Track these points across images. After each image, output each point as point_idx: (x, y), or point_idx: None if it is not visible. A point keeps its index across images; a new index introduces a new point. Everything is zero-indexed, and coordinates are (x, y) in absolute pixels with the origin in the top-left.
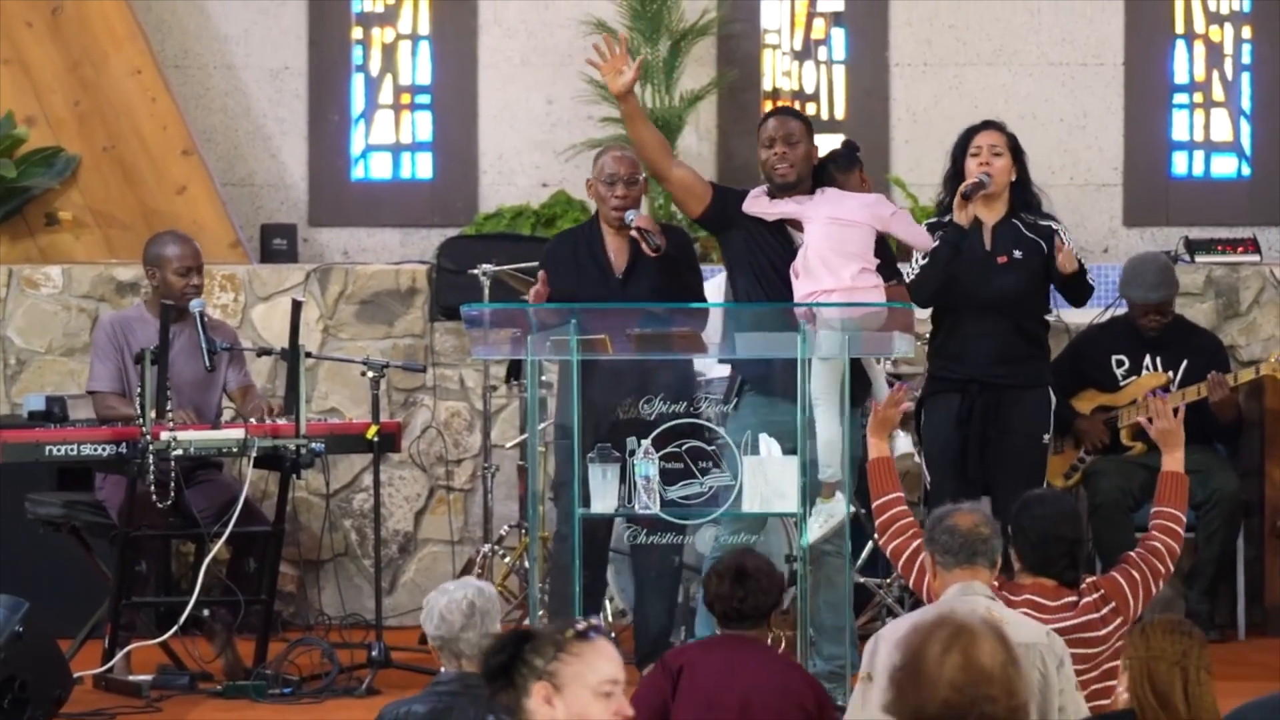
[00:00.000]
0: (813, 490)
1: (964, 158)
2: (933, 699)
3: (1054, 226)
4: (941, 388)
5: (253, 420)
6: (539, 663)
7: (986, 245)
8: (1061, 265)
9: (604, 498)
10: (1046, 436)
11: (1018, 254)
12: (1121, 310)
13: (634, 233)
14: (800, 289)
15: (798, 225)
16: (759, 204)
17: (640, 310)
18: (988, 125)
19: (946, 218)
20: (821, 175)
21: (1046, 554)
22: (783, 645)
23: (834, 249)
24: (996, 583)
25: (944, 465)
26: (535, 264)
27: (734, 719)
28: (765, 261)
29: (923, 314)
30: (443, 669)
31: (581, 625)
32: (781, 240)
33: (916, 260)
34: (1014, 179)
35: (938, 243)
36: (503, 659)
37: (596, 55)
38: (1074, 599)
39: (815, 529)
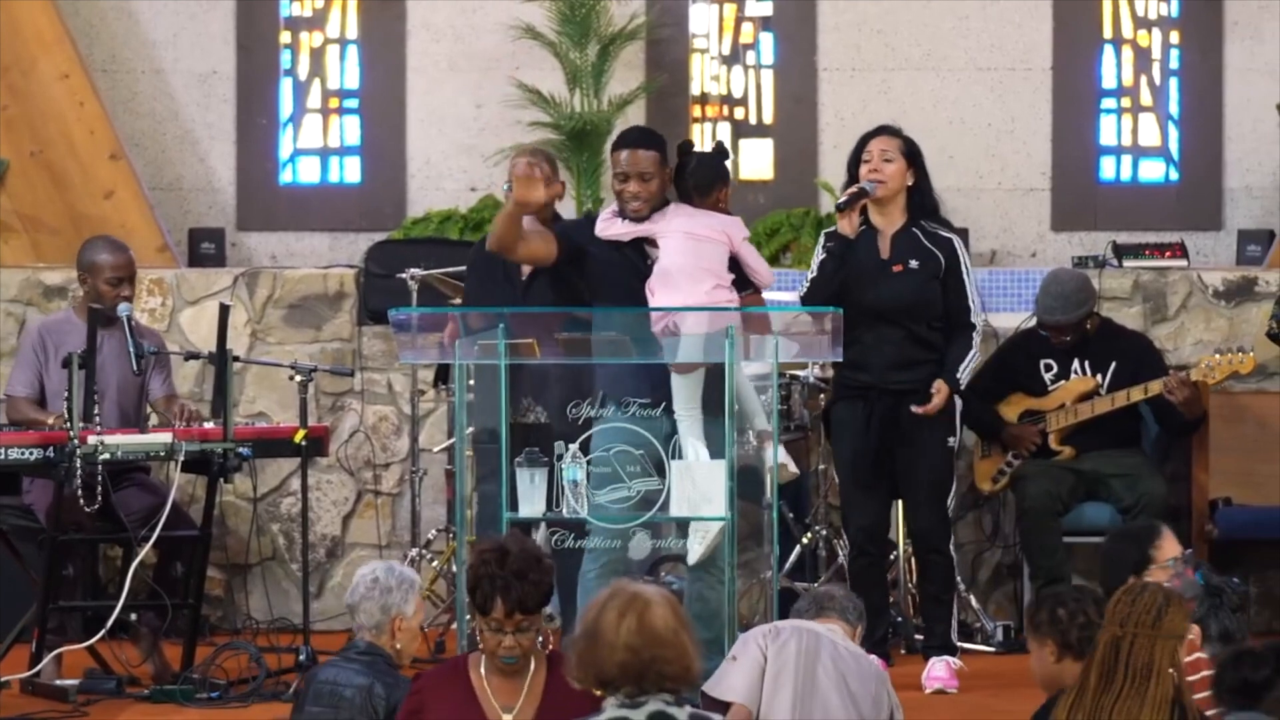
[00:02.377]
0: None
1: (858, 165)
2: (610, 660)
3: (953, 239)
4: (845, 394)
5: (176, 424)
6: None
7: (884, 254)
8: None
9: (532, 502)
10: (951, 440)
11: (914, 264)
12: None
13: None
14: (657, 304)
15: (652, 242)
16: (613, 227)
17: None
18: (882, 130)
19: (834, 228)
20: (682, 181)
21: None
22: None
23: (690, 264)
24: None
25: (851, 472)
26: (463, 268)
27: None
28: (624, 281)
29: None
30: (356, 638)
31: None
32: (639, 257)
33: (810, 273)
34: (911, 184)
35: (824, 255)
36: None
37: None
38: None
39: (697, 547)
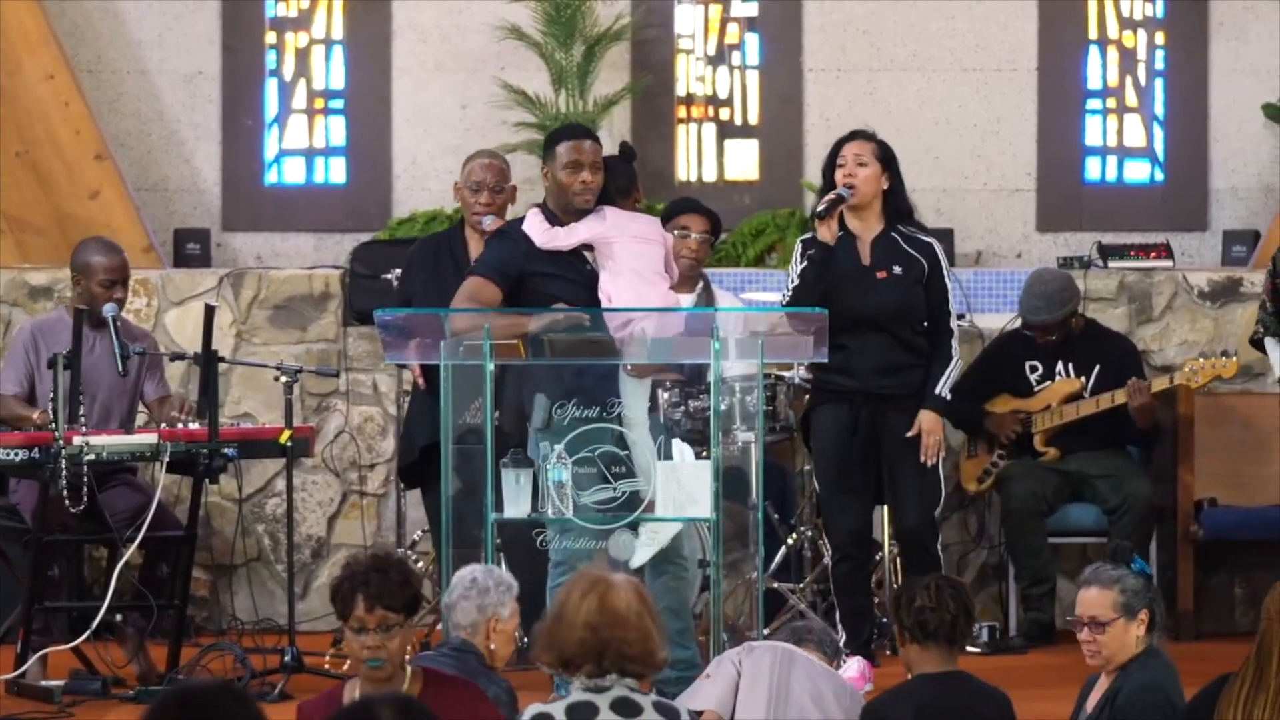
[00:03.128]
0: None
1: (834, 170)
2: (570, 638)
3: (933, 243)
4: (828, 399)
5: (166, 425)
6: None
7: (865, 260)
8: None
9: (517, 503)
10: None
11: (897, 269)
12: None
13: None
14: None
15: (588, 246)
16: (553, 237)
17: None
18: (855, 135)
19: (813, 233)
20: (606, 187)
21: None
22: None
23: (645, 267)
24: None
25: (834, 476)
26: None
27: None
28: (572, 294)
29: None
30: (451, 636)
31: None
32: (580, 264)
33: (791, 281)
34: (887, 188)
35: (805, 263)
36: None
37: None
38: None
39: (644, 549)
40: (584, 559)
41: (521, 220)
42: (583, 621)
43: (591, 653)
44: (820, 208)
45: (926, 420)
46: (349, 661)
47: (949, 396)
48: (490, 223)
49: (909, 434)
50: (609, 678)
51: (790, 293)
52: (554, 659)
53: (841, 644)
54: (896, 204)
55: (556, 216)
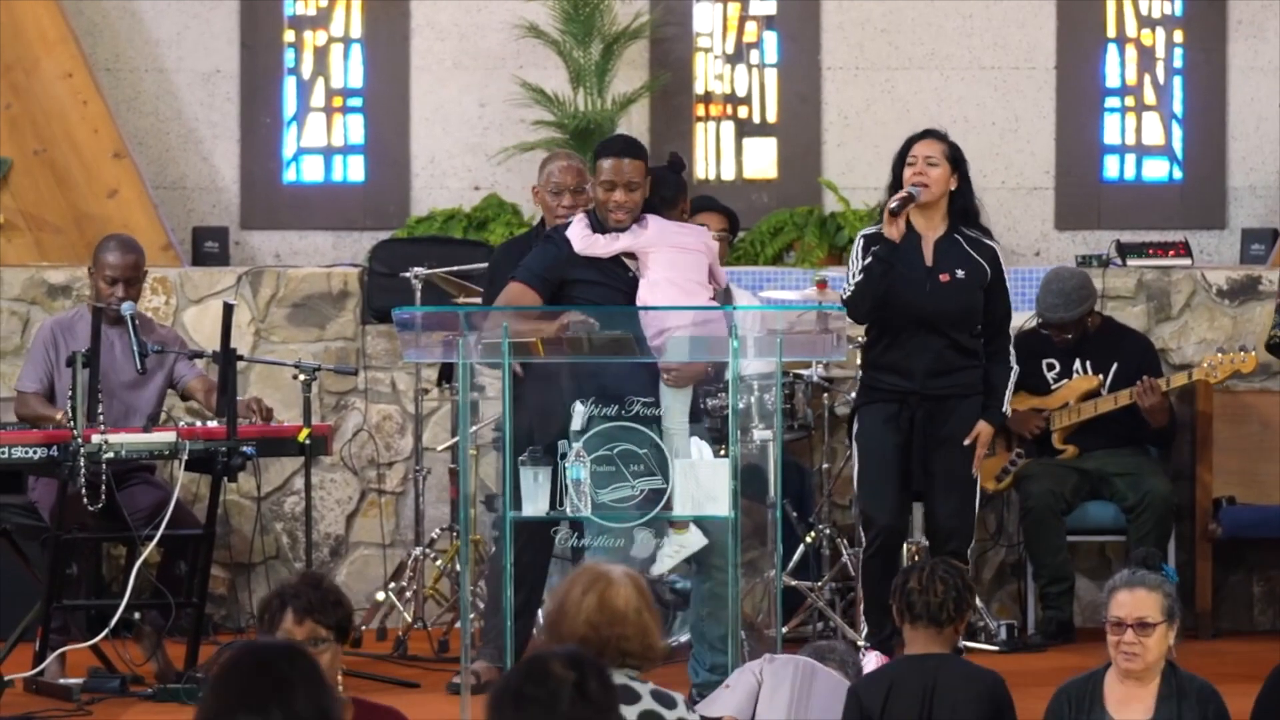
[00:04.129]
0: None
1: (903, 167)
2: (572, 635)
3: (996, 248)
4: (879, 397)
5: (249, 420)
6: None
7: (928, 261)
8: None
9: (535, 501)
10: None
11: (960, 273)
12: None
13: None
14: (653, 319)
15: (630, 254)
16: (594, 244)
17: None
18: (928, 134)
19: (876, 228)
20: (650, 197)
21: None
22: None
23: (682, 277)
24: None
25: (877, 471)
26: (466, 267)
27: None
28: (611, 296)
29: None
30: None
31: None
32: (621, 271)
33: (851, 276)
34: (954, 189)
35: (870, 259)
36: None
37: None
38: None
39: (666, 559)
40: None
41: (568, 225)
42: (584, 620)
43: (593, 649)
44: (893, 205)
45: (985, 433)
46: None
47: (1010, 412)
48: None
49: (965, 440)
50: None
51: (851, 287)
52: None
53: (862, 637)
54: (964, 206)
55: (600, 224)
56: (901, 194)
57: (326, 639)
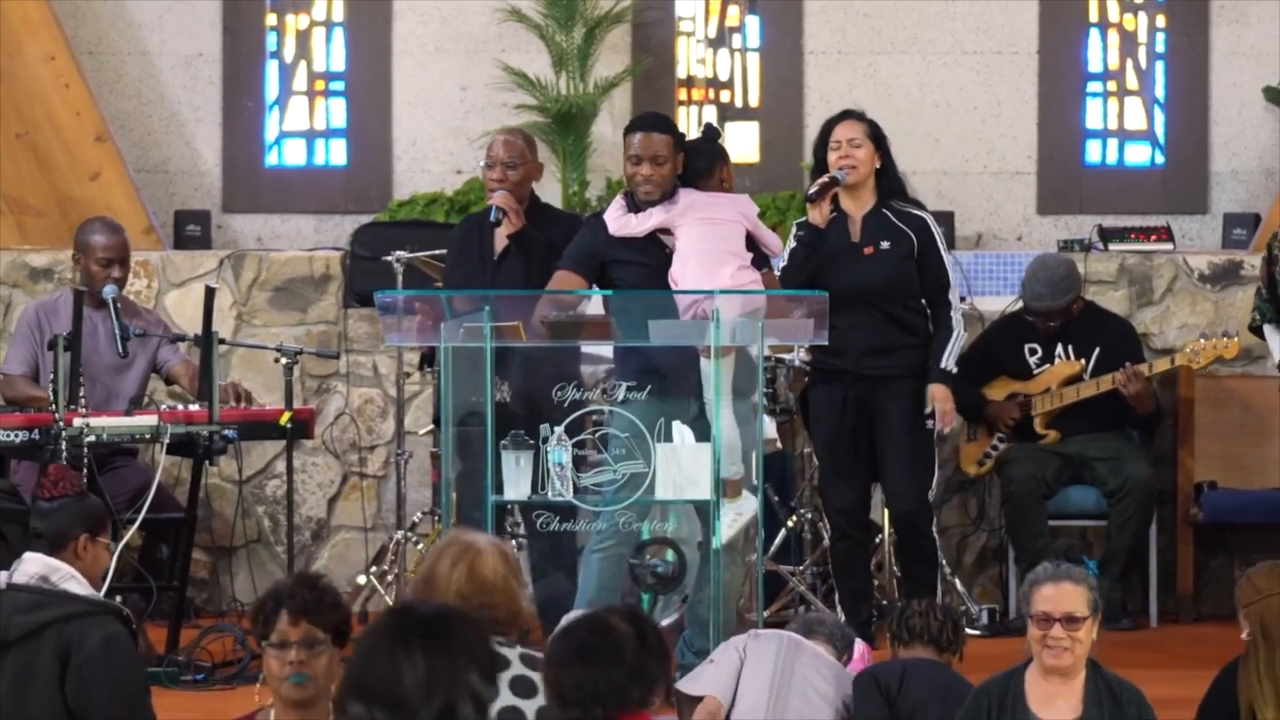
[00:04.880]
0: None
1: (825, 151)
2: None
3: (925, 216)
4: (822, 378)
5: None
6: None
7: (854, 236)
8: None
9: (517, 485)
10: (929, 422)
11: (885, 244)
12: None
13: (492, 214)
14: (683, 294)
15: (667, 231)
16: (626, 224)
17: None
18: (846, 116)
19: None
20: (683, 170)
21: None
22: None
23: (710, 249)
24: None
25: (830, 455)
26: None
27: None
28: (648, 282)
29: None
30: None
31: None
32: (657, 249)
33: (779, 262)
34: (879, 166)
35: (794, 245)
36: None
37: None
38: None
39: (727, 529)
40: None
41: (498, 215)
42: (454, 591)
43: None
44: (812, 191)
45: (937, 392)
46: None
47: (954, 369)
48: (499, 195)
49: (926, 411)
50: None
51: (779, 274)
52: None
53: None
54: (888, 181)
55: (635, 203)
56: (823, 179)
57: (324, 641)
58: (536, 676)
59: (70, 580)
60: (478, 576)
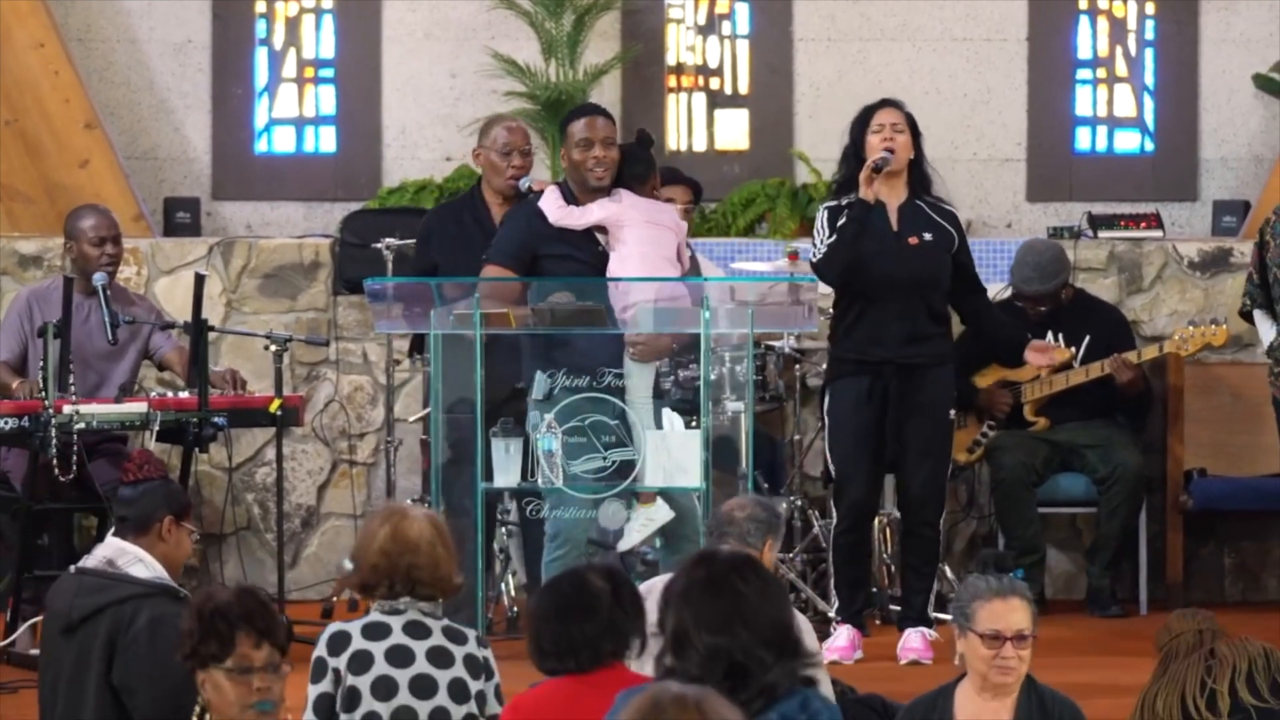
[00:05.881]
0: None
1: (864, 135)
2: (367, 563)
3: (955, 211)
4: (851, 370)
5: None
6: None
7: (894, 226)
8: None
9: (507, 472)
10: (952, 413)
11: (928, 236)
12: None
13: (530, 197)
14: (621, 293)
15: (601, 228)
16: (568, 215)
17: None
18: (887, 103)
19: (845, 199)
20: (619, 174)
21: None
22: None
23: (654, 253)
24: None
25: (852, 447)
26: None
27: None
28: (581, 270)
29: (826, 288)
30: None
31: None
32: (592, 245)
33: (821, 240)
34: (912, 158)
35: (843, 221)
36: None
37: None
38: None
39: (635, 534)
40: (578, 531)
41: (539, 198)
42: (378, 548)
43: (384, 575)
44: (876, 160)
45: (1038, 344)
46: None
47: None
48: (528, 182)
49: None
50: (403, 601)
51: (824, 249)
52: (356, 583)
53: (834, 611)
54: (920, 174)
55: (574, 196)
56: (878, 156)
57: (284, 663)
58: (457, 650)
59: (136, 564)
60: (402, 536)
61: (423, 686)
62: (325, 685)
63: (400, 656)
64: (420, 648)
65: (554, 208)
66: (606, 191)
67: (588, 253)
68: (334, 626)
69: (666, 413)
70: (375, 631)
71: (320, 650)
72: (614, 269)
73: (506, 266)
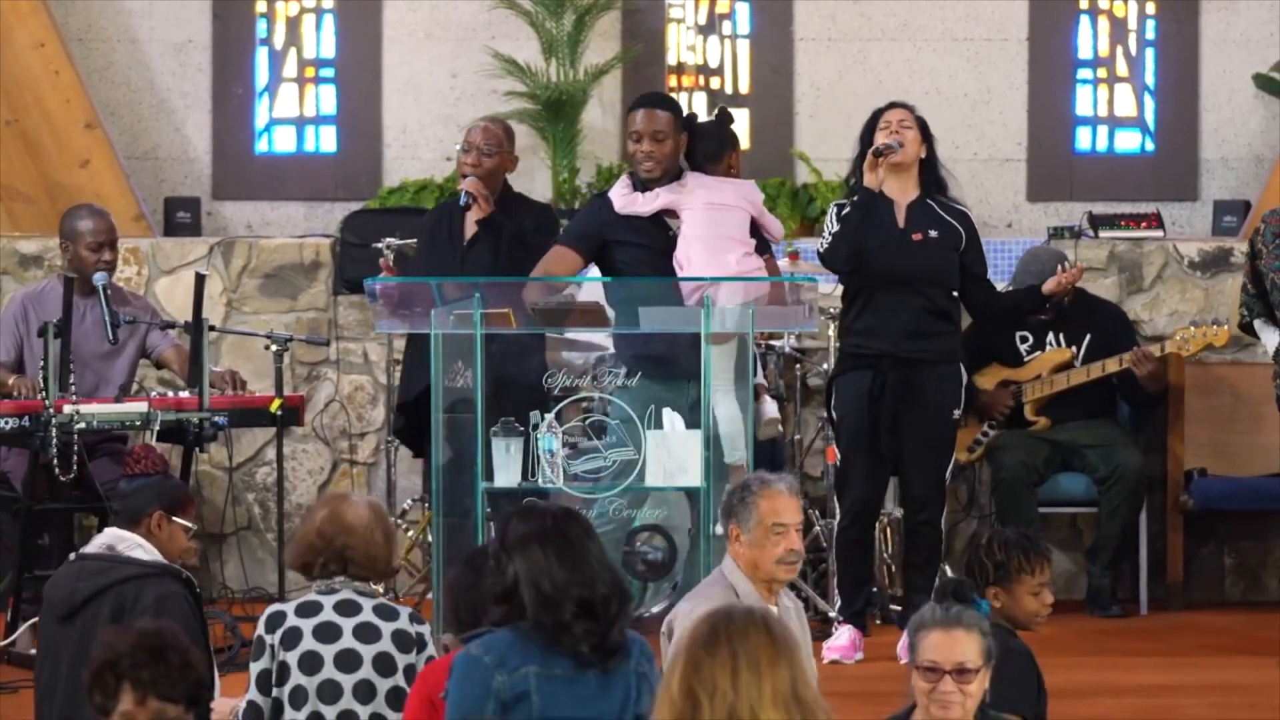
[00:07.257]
0: (720, 473)
1: (873, 135)
2: (304, 542)
3: (968, 212)
4: (854, 365)
5: (223, 390)
6: None
7: (900, 223)
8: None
9: (507, 472)
10: (957, 412)
11: (933, 233)
12: None
13: (462, 199)
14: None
15: (672, 213)
16: (632, 202)
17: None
18: (895, 104)
19: (844, 201)
20: (691, 153)
21: None
22: None
23: (715, 234)
24: None
25: (855, 442)
26: None
27: None
28: (650, 264)
29: (826, 287)
30: None
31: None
32: (660, 230)
33: (828, 230)
34: (923, 158)
35: (848, 209)
36: None
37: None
38: None
39: (735, 454)
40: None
41: (468, 208)
42: (315, 528)
43: (320, 554)
44: (880, 145)
45: (1049, 284)
46: None
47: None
48: (468, 181)
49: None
50: (339, 580)
51: (829, 240)
52: (296, 562)
53: (835, 610)
54: (934, 174)
55: (642, 183)
56: (883, 142)
57: (176, 716)
58: (386, 626)
59: (136, 548)
60: (340, 518)
61: (347, 660)
62: (264, 662)
63: (327, 633)
64: (348, 624)
65: (619, 195)
66: (671, 179)
67: (656, 238)
68: (273, 606)
69: (667, 412)
70: (307, 610)
71: (260, 629)
72: (678, 254)
73: (572, 247)
